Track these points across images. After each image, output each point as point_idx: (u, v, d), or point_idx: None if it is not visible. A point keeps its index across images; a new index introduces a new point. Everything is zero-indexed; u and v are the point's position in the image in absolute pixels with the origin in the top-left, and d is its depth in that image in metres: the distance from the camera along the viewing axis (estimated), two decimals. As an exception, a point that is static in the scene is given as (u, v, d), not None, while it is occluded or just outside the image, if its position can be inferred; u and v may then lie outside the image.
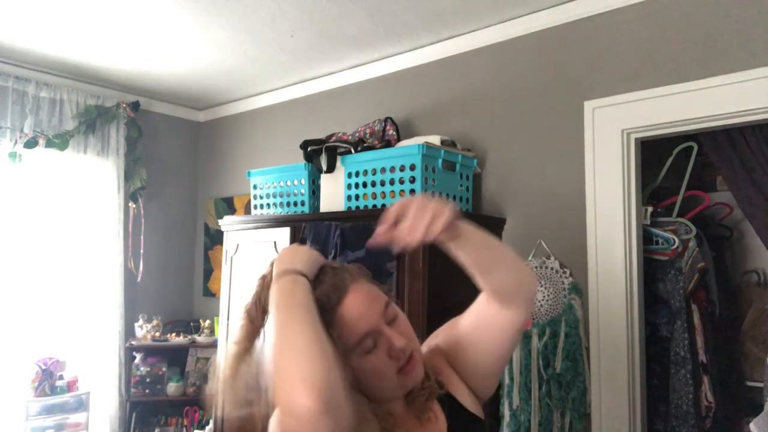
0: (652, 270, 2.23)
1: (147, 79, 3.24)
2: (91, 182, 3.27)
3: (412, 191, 2.04)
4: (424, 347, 1.11)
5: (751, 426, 1.72)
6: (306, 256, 0.96)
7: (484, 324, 1.05)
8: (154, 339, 3.35)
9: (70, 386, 3.07)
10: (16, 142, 2.95)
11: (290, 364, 0.77)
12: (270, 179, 2.66)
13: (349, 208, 2.23)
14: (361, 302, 0.92)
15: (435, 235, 0.86)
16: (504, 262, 1.00)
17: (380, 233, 0.89)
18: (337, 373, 0.78)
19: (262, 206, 2.71)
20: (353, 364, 0.90)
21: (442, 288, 1.92)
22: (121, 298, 3.32)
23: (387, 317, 0.94)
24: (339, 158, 2.33)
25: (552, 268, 2.15)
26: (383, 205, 2.11)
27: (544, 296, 2.13)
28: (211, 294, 3.70)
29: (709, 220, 2.62)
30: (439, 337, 1.13)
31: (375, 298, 0.94)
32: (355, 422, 0.81)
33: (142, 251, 3.49)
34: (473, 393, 1.08)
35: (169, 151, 3.76)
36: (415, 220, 0.86)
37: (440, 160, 2.12)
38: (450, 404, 1.02)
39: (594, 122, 2.08)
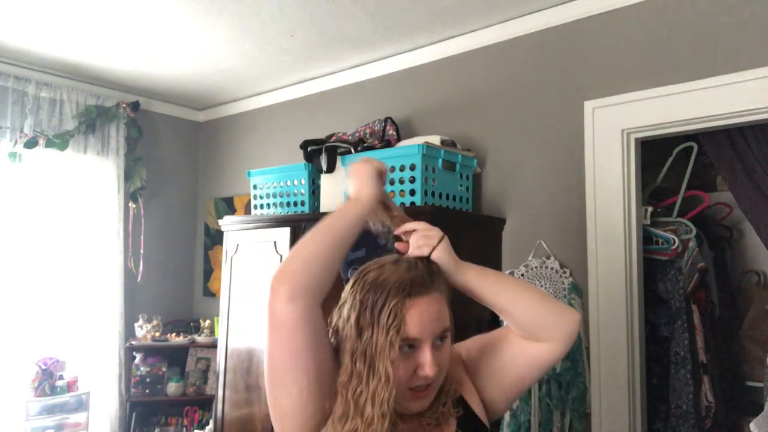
0: (652, 270, 2.23)
1: (147, 79, 3.24)
2: (91, 182, 3.27)
3: (412, 191, 2.04)
4: None
5: (751, 426, 1.72)
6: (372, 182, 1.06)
7: (511, 342, 1.06)
8: (154, 339, 3.34)
9: (70, 386, 3.07)
10: (16, 142, 2.95)
11: (294, 254, 0.94)
12: (270, 179, 2.66)
13: (349, 208, 2.23)
14: (426, 312, 0.93)
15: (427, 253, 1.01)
16: (522, 301, 1.02)
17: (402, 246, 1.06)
18: (323, 282, 0.93)
19: (262, 206, 2.71)
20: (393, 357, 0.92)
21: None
22: (121, 298, 3.32)
23: (437, 338, 0.95)
24: (339, 158, 2.33)
25: (552, 268, 2.15)
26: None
27: (544, 296, 2.13)
28: (211, 294, 3.70)
29: (709, 220, 2.62)
30: (462, 347, 1.12)
31: (441, 317, 0.96)
32: (326, 343, 0.94)
33: (142, 251, 3.49)
34: (485, 407, 1.08)
35: (169, 151, 3.76)
36: (422, 239, 1.03)
37: (440, 160, 2.12)
38: (464, 412, 1.02)
39: (594, 122, 2.08)
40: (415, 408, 0.95)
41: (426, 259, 1.00)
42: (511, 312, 1.02)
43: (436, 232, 1.03)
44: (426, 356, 0.92)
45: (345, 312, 0.96)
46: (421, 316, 0.92)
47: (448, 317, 0.98)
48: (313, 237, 0.96)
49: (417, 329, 0.92)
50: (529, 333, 1.02)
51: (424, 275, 0.96)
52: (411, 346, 0.93)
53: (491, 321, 1.92)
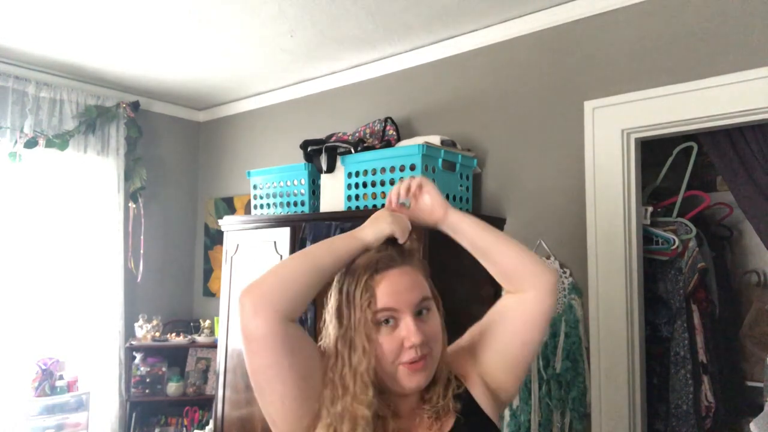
0: (652, 270, 2.23)
1: (147, 79, 3.24)
2: (91, 182, 3.27)
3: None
4: (452, 348, 1.10)
5: (751, 426, 1.72)
6: (378, 229, 1.04)
7: (505, 311, 1.09)
8: (154, 339, 3.34)
9: (70, 386, 3.07)
10: (16, 142, 2.95)
11: (270, 271, 0.92)
12: (270, 179, 2.66)
13: (349, 208, 2.23)
14: (398, 283, 0.96)
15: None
16: (503, 245, 1.08)
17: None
18: (293, 303, 0.90)
19: (262, 206, 2.71)
20: (375, 335, 0.94)
21: (443, 287, 1.91)
22: (121, 298, 3.32)
23: (416, 308, 0.96)
24: (339, 158, 2.33)
25: (552, 268, 2.15)
26: (383, 206, 2.10)
27: (544, 296, 2.13)
28: (211, 294, 3.70)
29: (709, 220, 2.62)
30: (464, 339, 1.13)
31: (417, 286, 0.98)
32: (307, 365, 0.93)
33: (142, 251, 3.49)
34: (494, 398, 1.07)
35: (169, 151, 3.76)
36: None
37: (440, 160, 2.12)
38: (467, 407, 1.01)
39: (594, 122, 2.08)
40: (412, 385, 0.94)
41: (395, 242, 1.04)
42: (495, 253, 1.08)
43: (415, 185, 1.17)
44: (408, 325, 0.93)
45: (329, 306, 1.00)
46: (393, 286, 0.95)
47: (426, 287, 1.00)
48: (294, 260, 0.96)
49: (390, 298, 0.94)
50: (513, 279, 1.07)
51: (393, 254, 1.00)
52: (391, 318, 0.94)
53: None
